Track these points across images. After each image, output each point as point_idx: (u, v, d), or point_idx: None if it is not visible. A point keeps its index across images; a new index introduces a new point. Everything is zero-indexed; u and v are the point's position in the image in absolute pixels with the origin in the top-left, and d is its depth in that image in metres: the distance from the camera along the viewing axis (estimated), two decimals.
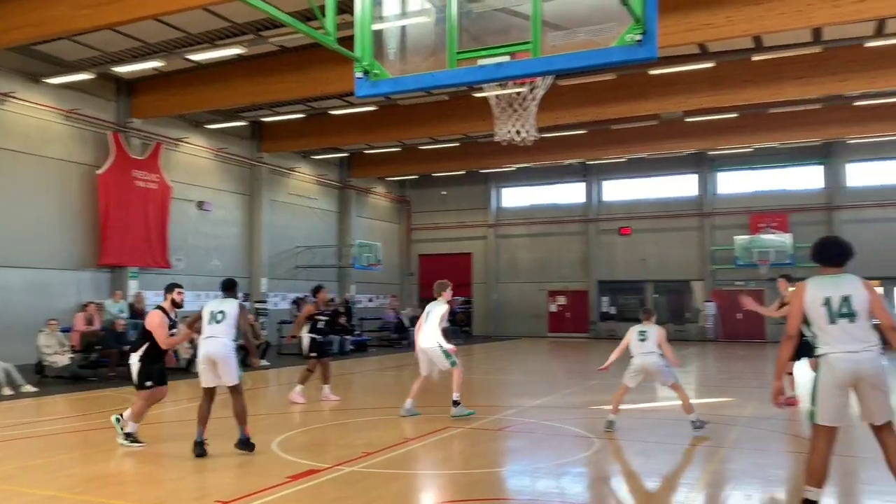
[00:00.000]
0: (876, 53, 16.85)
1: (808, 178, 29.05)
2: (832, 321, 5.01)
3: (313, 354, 11.85)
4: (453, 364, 9.88)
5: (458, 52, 4.49)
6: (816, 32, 16.43)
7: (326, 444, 8.65)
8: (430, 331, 10.06)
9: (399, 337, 27.10)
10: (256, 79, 18.08)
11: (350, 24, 5.38)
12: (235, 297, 8.13)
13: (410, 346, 26.13)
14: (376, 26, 4.83)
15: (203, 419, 7.62)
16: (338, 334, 22.91)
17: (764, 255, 27.95)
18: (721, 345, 27.47)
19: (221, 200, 23.85)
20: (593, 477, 7.17)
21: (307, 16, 14.34)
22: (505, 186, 34.32)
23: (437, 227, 34.93)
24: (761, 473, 7.05)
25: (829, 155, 28.27)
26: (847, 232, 27.59)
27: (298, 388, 11.65)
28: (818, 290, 5.13)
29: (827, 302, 5.04)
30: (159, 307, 8.35)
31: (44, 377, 14.63)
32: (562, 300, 32.71)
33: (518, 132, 7.75)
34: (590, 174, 32.16)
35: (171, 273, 21.46)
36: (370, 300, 31.40)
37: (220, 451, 7.68)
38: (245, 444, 7.59)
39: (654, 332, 9.16)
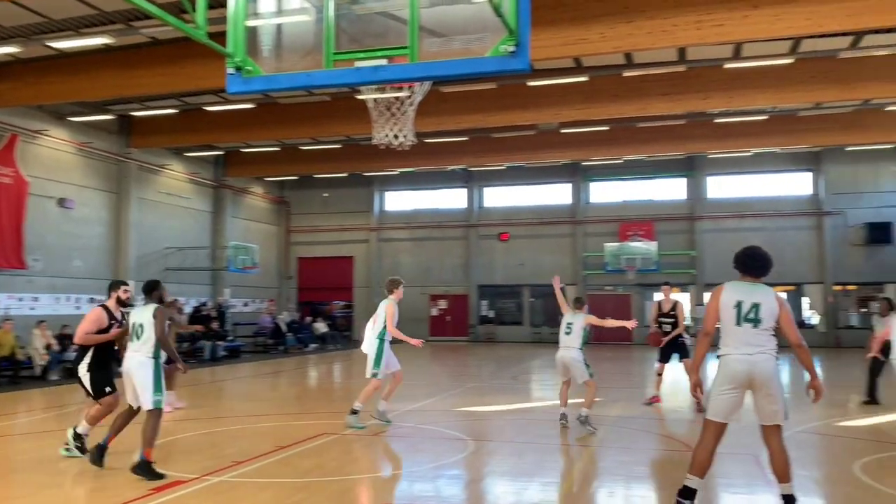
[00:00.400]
0: (734, 74, 18.12)
1: (672, 189, 30.83)
2: (738, 323, 5.37)
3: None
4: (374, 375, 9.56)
5: (336, 53, 4.43)
6: (681, 52, 17.47)
7: (194, 453, 8.29)
8: (370, 335, 10.06)
9: (275, 342, 26.48)
10: (126, 71, 17.11)
11: (225, 19, 5.19)
12: (158, 302, 7.28)
13: (286, 352, 25.71)
14: (251, 22, 4.69)
15: (116, 428, 7.19)
16: (209, 339, 22.10)
17: (631, 261, 29.41)
18: (591, 347, 28.54)
19: (85, 198, 22.43)
20: (468, 479, 7.26)
21: (180, 7, 13.79)
22: (388, 190, 34.30)
23: (318, 230, 34.42)
24: (626, 471, 7.38)
25: (691, 168, 30.12)
26: (706, 241, 29.57)
27: (170, 394, 11.07)
28: (733, 293, 5.50)
29: (738, 305, 5.40)
30: (102, 305, 7.83)
31: None
32: (443, 304, 33.05)
33: (396, 136, 7.75)
34: (471, 180, 32.71)
35: (28, 274, 20.00)
36: (245, 304, 30.48)
37: (80, 464, 7.20)
38: (143, 469, 6.66)
39: (580, 321, 9.47)
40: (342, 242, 34.20)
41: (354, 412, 9.49)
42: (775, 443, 5.35)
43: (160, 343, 7.00)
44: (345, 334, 32.66)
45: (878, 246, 27.53)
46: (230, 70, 4.48)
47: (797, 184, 29.41)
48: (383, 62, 4.32)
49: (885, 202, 27.86)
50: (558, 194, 32.03)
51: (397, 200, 34.44)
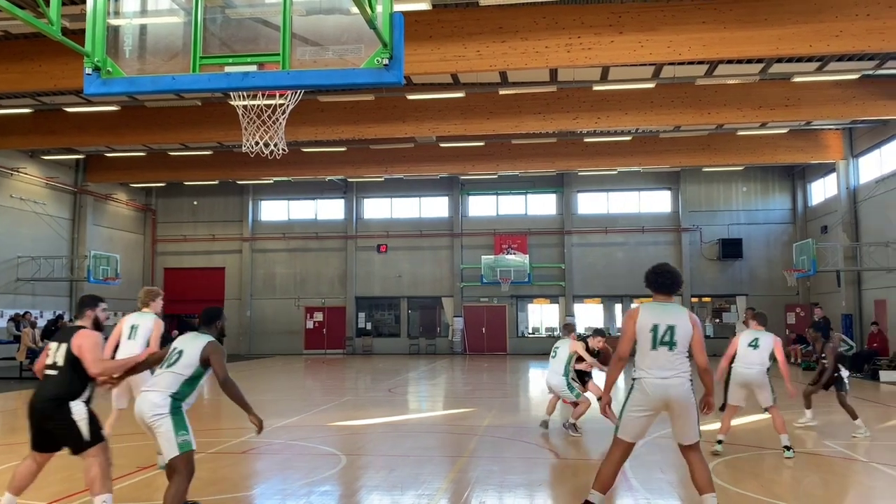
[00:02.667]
0: (602, 96, 19.07)
1: (544, 204, 31.94)
2: (653, 347, 5.37)
3: None
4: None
5: (203, 57, 4.27)
6: (553, 73, 18.18)
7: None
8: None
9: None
10: None
11: (84, 16, 4.89)
12: (221, 335, 5.85)
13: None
14: (113, 21, 4.45)
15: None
16: None
17: (506, 273, 30.17)
18: (468, 358, 29.03)
19: None
20: (340, 494, 7.16)
21: (35, 1, 12.92)
22: (263, 199, 33.47)
23: (187, 240, 33.05)
24: (496, 480, 7.51)
25: (562, 184, 31.32)
26: (575, 254, 30.79)
27: None
28: (648, 317, 5.45)
29: (654, 328, 5.38)
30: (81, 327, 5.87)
31: None
32: (319, 316, 32.54)
33: (266, 144, 7.57)
34: (350, 191, 32.49)
35: None
36: (107, 318, 28.71)
37: None
38: None
39: (565, 347, 10.06)
40: (213, 252, 33.03)
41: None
42: (696, 458, 5.40)
43: (228, 388, 5.56)
44: None
45: (730, 261, 29.68)
46: (88, 70, 4.23)
47: (658, 201, 31.24)
48: (253, 68, 4.21)
49: (736, 220, 30.10)
50: (436, 207, 32.41)
51: (273, 210, 33.67)
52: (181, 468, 5.19)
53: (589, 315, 31.44)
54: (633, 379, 5.45)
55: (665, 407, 5.35)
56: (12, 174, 24.13)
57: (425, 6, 13.38)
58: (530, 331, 32.31)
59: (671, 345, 5.36)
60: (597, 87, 18.62)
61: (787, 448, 8.39)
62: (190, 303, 32.88)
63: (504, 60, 14.47)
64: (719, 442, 8.65)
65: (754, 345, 8.85)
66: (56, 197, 26.59)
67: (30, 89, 17.48)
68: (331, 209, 33.11)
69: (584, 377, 11.70)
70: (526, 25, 14.24)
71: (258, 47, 4.28)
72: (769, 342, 8.86)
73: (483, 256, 30.74)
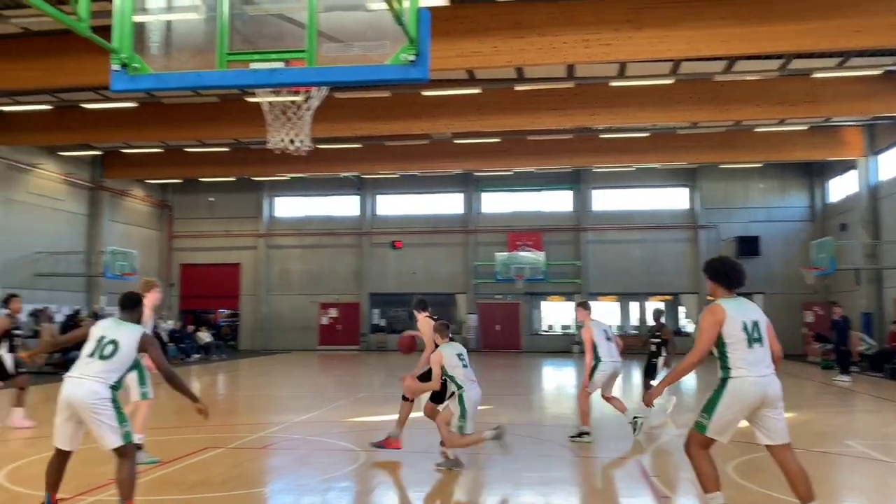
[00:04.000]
0: (619, 93, 18.95)
1: (559, 201, 31.82)
2: (750, 345, 5.16)
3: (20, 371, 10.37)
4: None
5: (230, 53, 4.27)
6: (570, 69, 18.09)
7: (67, 471, 7.74)
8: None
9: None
10: None
11: (109, 13, 4.90)
12: (138, 322, 5.72)
13: (168, 362, 24.56)
14: (139, 17, 4.45)
15: (53, 483, 5.59)
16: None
17: (520, 270, 30.09)
18: (482, 355, 28.99)
19: None
20: (358, 490, 7.16)
21: None
22: (278, 196, 33.57)
23: (203, 236, 33.21)
24: (514, 477, 7.49)
25: (577, 181, 31.19)
26: (591, 251, 30.68)
27: (19, 411, 10.27)
28: (736, 314, 5.24)
29: (745, 327, 5.19)
30: None
31: None
32: (333, 313, 32.61)
33: (292, 141, 7.57)
34: (364, 188, 32.53)
35: None
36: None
37: None
38: None
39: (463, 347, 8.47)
40: (229, 249, 33.16)
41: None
42: (793, 460, 5.16)
43: (170, 378, 5.59)
44: (230, 344, 31.63)
45: (747, 258, 29.38)
46: (115, 66, 4.23)
47: (675, 198, 31.05)
48: (280, 65, 4.21)
49: (753, 217, 29.87)
50: (451, 204, 32.37)
51: (288, 206, 33.77)
52: (130, 454, 5.38)
53: (605, 313, 31.31)
54: (727, 378, 5.18)
55: (760, 406, 5.13)
56: (31, 170, 24.33)
57: (443, 1, 13.35)
58: (545, 328, 32.22)
59: (760, 341, 5.20)
60: (614, 84, 18.50)
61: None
62: (207, 298, 33.13)
63: (521, 56, 14.42)
64: None
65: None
66: (74, 193, 26.79)
67: (50, 86, 17.63)
68: (346, 206, 33.16)
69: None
70: (543, 21, 14.18)
71: (284, 44, 4.27)
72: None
73: (497, 253, 30.67)
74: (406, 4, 3.99)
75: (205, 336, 28.13)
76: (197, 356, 26.32)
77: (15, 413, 10.25)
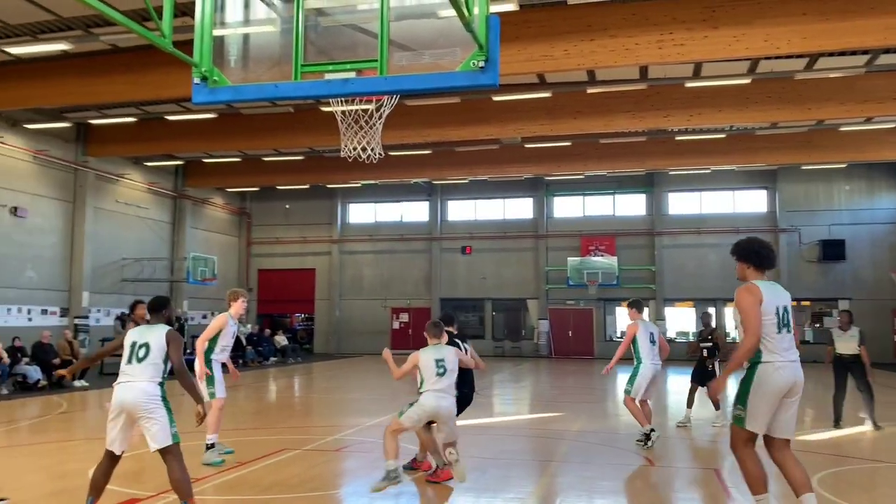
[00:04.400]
0: (694, 93, 18.49)
1: (633, 205, 31.26)
2: (779, 330, 5.04)
3: None
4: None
5: (304, 65, 4.38)
6: (643, 71, 17.77)
7: (150, 470, 8.06)
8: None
9: (234, 356, 26.02)
10: (84, 78, 16.78)
11: (189, 28, 5.10)
12: (167, 323, 5.95)
13: (246, 365, 25.31)
14: (218, 31, 4.62)
15: (98, 488, 5.62)
16: None
17: (593, 276, 29.70)
18: (553, 361, 28.75)
19: (39, 207, 21.89)
20: (430, 495, 7.20)
21: (143, 16, 13.59)
22: (351, 202, 34.16)
23: (279, 242, 34.09)
24: (588, 486, 7.39)
25: (651, 184, 30.59)
26: (665, 256, 30.02)
27: None
28: (771, 297, 5.10)
29: (777, 310, 5.07)
30: None
31: None
32: (404, 317, 32.92)
33: (364, 149, 7.71)
34: (434, 193, 32.75)
35: None
36: (204, 317, 29.96)
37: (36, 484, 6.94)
38: None
39: (451, 356, 7.24)
40: (304, 254, 33.92)
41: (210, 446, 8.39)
42: (791, 453, 5.12)
43: (181, 376, 5.71)
44: (305, 347, 32.32)
45: (831, 263, 28.26)
46: (196, 80, 4.40)
47: (753, 201, 30.08)
48: (352, 75, 4.29)
49: (838, 220, 28.63)
50: (521, 208, 32.24)
51: (360, 213, 34.31)
52: (178, 453, 5.59)
53: (680, 318, 30.59)
54: (757, 363, 5.00)
55: (788, 394, 4.98)
56: (118, 180, 25.48)
57: (512, 7, 13.32)
58: (618, 335, 31.67)
59: (788, 326, 5.07)
60: (689, 84, 18.06)
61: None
62: (283, 303, 33.98)
63: (592, 59, 14.25)
64: None
65: None
66: (157, 201, 27.91)
67: (135, 99, 18.42)
68: (416, 211, 33.46)
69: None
70: (615, 23, 13.98)
71: (356, 54, 4.36)
72: None
73: (569, 258, 30.35)
74: (476, 11, 4.02)
75: (281, 340, 28.84)
76: (274, 359, 26.99)
77: None
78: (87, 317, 22.94)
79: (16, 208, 20.86)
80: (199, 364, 8.36)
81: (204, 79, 4.42)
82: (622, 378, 12.28)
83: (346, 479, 8.12)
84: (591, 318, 30.99)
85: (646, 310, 10.83)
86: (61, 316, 22.50)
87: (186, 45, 4.53)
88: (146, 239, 27.01)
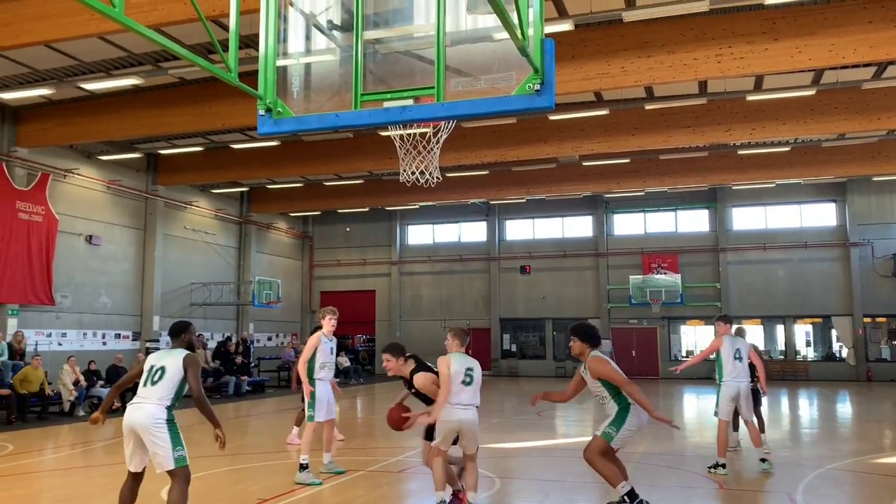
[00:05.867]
0: (756, 106, 18.11)
1: (696, 221, 30.65)
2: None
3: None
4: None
5: (363, 94, 4.50)
6: (703, 85, 17.52)
7: (218, 491, 8.27)
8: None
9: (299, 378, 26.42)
10: (153, 110, 17.52)
11: (252, 59, 5.29)
12: (187, 347, 6.06)
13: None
14: (280, 62, 4.79)
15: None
16: (233, 375, 22.17)
17: (656, 294, 29.16)
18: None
19: (112, 234, 22.81)
20: None
21: (209, 49, 14.13)
22: (409, 224, 34.48)
23: (341, 264, 34.61)
24: None
25: (714, 200, 29.96)
26: (731, 273, 29.30)
27: (295, 430, 11.96)
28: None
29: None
30: None
31: None
32: None
33: (422, 173, 7.83)
34: (492, 213, 32.79)
35: (55, 310, 20.28)
36: (269, 339, 30.61)
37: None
38: None
39: (478, 367, 7.10)
40: (364, 276, 34.35)
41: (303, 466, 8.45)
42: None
43: (199, 402, 5.73)
44: (367, 368, 32.60)
45: None
46: (261, 112, 4.56)
47: (822, 214, 29.14)
48: (409, 102, 4.38)
49: None
50: (580, 226, 31.97)
51: (419, 234, 34.59)
52: (182, 476, 5.52)
53: (748, 337, 29.71)
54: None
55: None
56: (186, 207, 26.36)
57: (567, 27, 13.34)
58: (684, 354, 30.99)
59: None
60: (751, 98, 17.70)
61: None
62: (345, 324, 34.26)
63: (650, 75, 14.14)
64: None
65: None
66: (224, 227, 28.73)
67: (202, 129, 19.09)
68: (474, 232, 33.54)
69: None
70: (672, 39, 13.87)
71: (414, 81, 4.45)
72: None
73: (631, 276, 29.90)
74: (531, 33, 4.06)
75: (344, 361, 29.16)
76: (336, 380, 27.15)
77: (293, 431, 11.99)
78: (157, 340, 23.67)
79: (91, 236, 21.78)
80: (304, 385, 8.85)
81: (268, 110, 4.57)
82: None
83: (409, 501, 8.15)
84: (655, 338, 30.39)
85: (740, 327, 10.60)
86: (133, 339, 23.30)
87: (249, 76, 4.71)
88: (213, 264, 27.79)
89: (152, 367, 5.78)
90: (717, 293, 29.38)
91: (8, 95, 17.06)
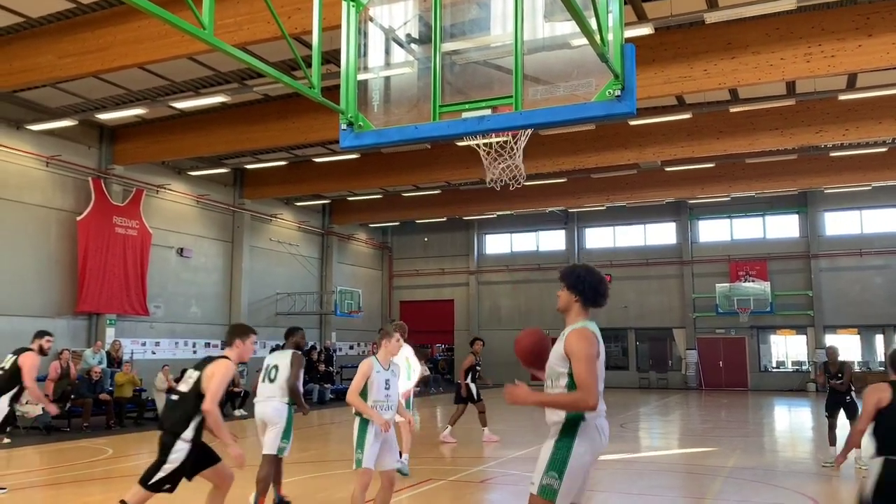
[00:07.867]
0: (849, 106, 17.29)
1: (785, 226, 29.45)
2: None
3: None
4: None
5: (442, 105, 4.53)
6: (790, 86, 16.85)
7: (301, 499, 8.43)
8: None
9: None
10: (240, 126, 18.17)
11: (332, 74, 5.41)
12: (295, 348, 7.34)
13: None
14: (361, 77, 4.87)
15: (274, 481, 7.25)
16: (317, 382, 22.65)
17: (744, 302, 28.16)
18: (703, 393, 27.41)
19: (202, 247, 23.73)
20: None
21: (292, 66, 14.54)
22: (487, 233, 34.47)
23: (419, 274, 34.90)
24: None
25: (805, 204, 28.74)
26: (824, 280, 28.01)
27: (486, 430, 13.40)
28: None
29: None
30: (29, 349, 8.50)
31: (15, 428, 14.24)
32: None
33: (513, 177, 7.83)
34: (571, 221, 32.41)
35: (149, 320, 21.21)
36: (351, 347, 31.13)
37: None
38: None
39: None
40: (442, 286, 34.52)
41: None
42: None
43: (292, 390, 7.00)
44: (446, 377, 32.71)
45: None
46: (343, 126, 4.66)
47: None
48: (487, 112, 4.38)
49: None
50: (663, 234, 31.22)
51: (496, 243, 34.52)
52: (271, 463, 6.87)
53: (843, 347, 28.32)
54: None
55: None
56: (271, 220, 27.16)
57: (647, 31, 13.09)
58: (774, 364, 29.79)
59: None
60: (843, 97, 16.91)
61: None
62: (424, 333, 34.60)
63: (734, 77, 13.71)
64: None
65: None
66: (307, 239, 29.45)
67: (286, 144, 19.66)
68: (552, 240, 33.22)
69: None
70: (757, 39, 13.41)
71: (492, 91, 4.45)
72: None
73: (717, 284, 28.96)
74: (610, 38, 4.01)
75: (423, 370, 29.34)
76: (416, 389, 27.43)
77: (484, 432, 13.41)
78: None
79: (182, 249, 22.72)
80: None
81: (350, 124, 4.67)
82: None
83: None
84: (744, 348, 29.31)
85: None
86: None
87: (330, 91, 4.82)
88: (297, 274, 28.50)
89: (268, 365, 7.12)
90: (810, 301, 28.12)
91: (106, 116, 18.04)
